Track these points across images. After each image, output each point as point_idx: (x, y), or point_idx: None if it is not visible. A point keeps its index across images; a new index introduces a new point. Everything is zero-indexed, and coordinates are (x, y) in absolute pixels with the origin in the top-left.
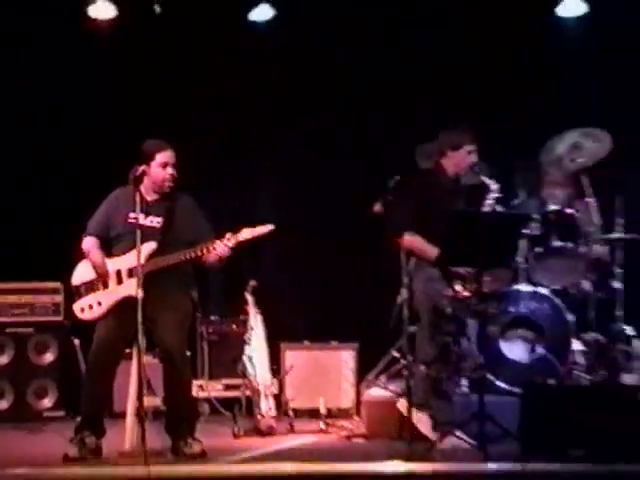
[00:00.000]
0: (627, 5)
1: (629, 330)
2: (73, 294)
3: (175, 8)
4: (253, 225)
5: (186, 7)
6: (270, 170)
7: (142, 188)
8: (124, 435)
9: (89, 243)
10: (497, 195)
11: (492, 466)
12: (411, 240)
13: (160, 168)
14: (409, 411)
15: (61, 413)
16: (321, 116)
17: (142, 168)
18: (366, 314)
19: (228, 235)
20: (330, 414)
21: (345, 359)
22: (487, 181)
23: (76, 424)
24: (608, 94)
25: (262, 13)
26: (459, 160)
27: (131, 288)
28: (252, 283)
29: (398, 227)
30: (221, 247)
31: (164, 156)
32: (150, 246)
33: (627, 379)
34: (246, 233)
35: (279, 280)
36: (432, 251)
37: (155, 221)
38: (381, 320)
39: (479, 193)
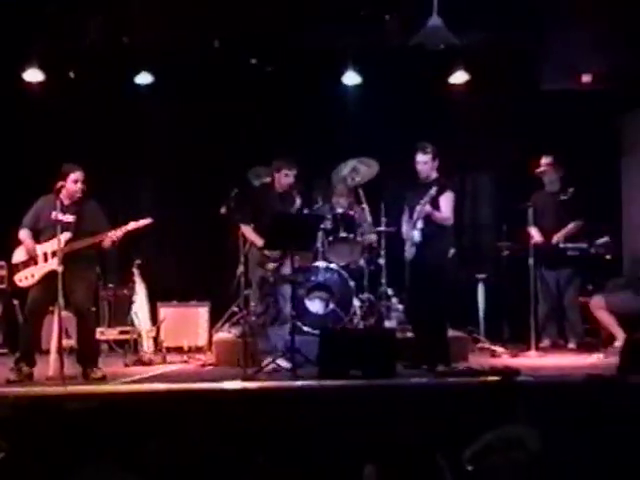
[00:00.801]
0: (393, 77)
1: (390, 291)
2: (13, 269)
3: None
4: (137, 219)
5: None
6: (150, 183)
7: (61, 196)
8: (49, 365)
9: (24, 234)
10: (299, 207)
11: (299, 383)
12: (245, 230)
13: (73, 183)
14: (245, 346)
15: (5, 350)
16: (186, 151)
17: (61, 183)
18: (216, 281)
19: (119, 227)
20: (190, 350)
21: (201, 313)
22: (295, 196)
23: (15, 358)
24: (377, 135)
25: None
26: (279, 179)
27: (54, 264)
28: (137, 261)
29: (238, 221)
30: (114, 235)
31: (76, 175)
32: (66, 235)
33: (388, 324)
34: (131, 225)
35: (156, 258)
36: (257, 239)
37: (70, 218)
38: (226, 286)
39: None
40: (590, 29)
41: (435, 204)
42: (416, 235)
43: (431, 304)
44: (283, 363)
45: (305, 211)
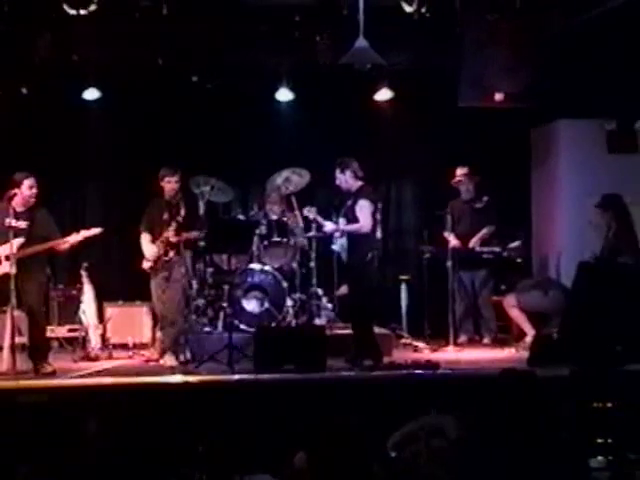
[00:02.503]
0: (324, 94)
1: (319, 291)
2: None
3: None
4: (85, 226)
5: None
6: (96, 191)
7: (13, 203)
8: (2, 361)
9: None
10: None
11: (236, 377)
12: (142, 238)
13: (28, 189)
14: (185, 341)
15: None
16: (130, 160)
17: (14, 191)
18: None
19: (73, 234)
20: (135, 346)
21: (145, 311)
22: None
23: None
24: (309, 147)
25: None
26: (164, 187)
27: (7, 268)
28: (85, 263)
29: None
30: (68, 243)
31: (30, 181)
32: (19, 241)
33: (318, 322)
34: (82, 233)
35: (103, 261)
36: (146, 250)
37: (22, 224)
38: None
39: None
40: (503, 53)
41: (352, 213)
42: (336, 246)
43: (354, 305)
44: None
45: (241, 217)
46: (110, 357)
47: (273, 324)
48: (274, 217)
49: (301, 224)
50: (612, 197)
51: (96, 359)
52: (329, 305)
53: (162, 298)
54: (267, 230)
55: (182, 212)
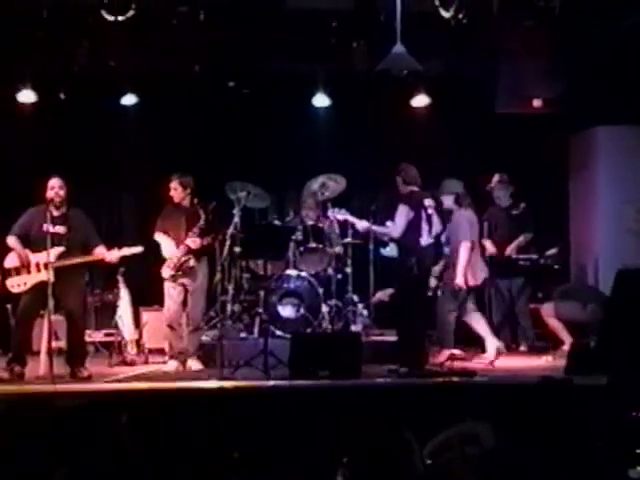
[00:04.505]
0: (360, 100)
1: (355, 298)
2: (5, 274)
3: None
4: (127, 243)
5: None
6: (133, 198)
7: (50, 207)
8: (39, 365)
9: (13, 241)
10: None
11: (271, 383)
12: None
13: (50, 190)
14: (221, 349)
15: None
16: (168, 166)
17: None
18: None
19: (114, 250)
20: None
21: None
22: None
23: (8, 358)
24: (345, 153)
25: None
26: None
27: (45, 276)
28: (121, 269)
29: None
30: (109, 258)
31: (51, 182)
32: (59, 249)
33: (354, 328)
34: (124, 251)
35: (139, 266)
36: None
37: (60, 229)
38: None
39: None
40: (541, 59)
41: (391, 217)
42: (385, 251)
43: (401, 311)
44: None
45: (277, 223)
46: (146, 362)
47: (309, 330)
48: (310, 223)
49: (337, 230)
50: None
51: (132, 364)
52: (365, 311)
53: (183, 305)
54: (303, 236)
55: (202, 219)
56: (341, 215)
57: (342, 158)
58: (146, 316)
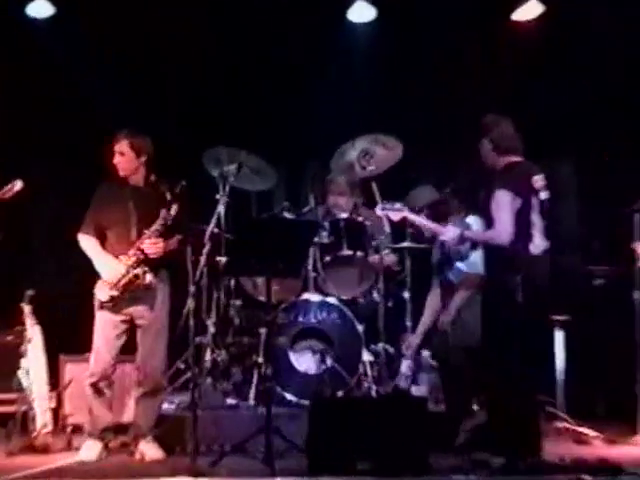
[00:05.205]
0: (417, 9)
1: (417, 340)
2: None
3: None
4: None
5: None
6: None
7: None
8: None
9: None
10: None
11: None
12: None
13: None
14: (195, 423)
15: None
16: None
17: None
18: None
19: None
20: (112, 430)
21: (129, 372)
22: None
23: None
24: (399, 100)
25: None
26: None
27: None
28: (29, 292)
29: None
30: None
31: None
32: None
33: (416, 390)
34: None
35: (56, 286)
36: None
37: None
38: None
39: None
40: None
41: (487, 209)
42: (464, 265)
43: (491, 359)
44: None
45: (288, 216)
46: (69, 447)
47: (339, 394)
48: (342, 216)
49: (387, 227)
50: None
51: (45, 450)
52: (434, 362)
53: (121, 350)
54: (331, 237)
55: (173, 208)
56: (398, 212)
57: (394, 109)
58: (70, 369)
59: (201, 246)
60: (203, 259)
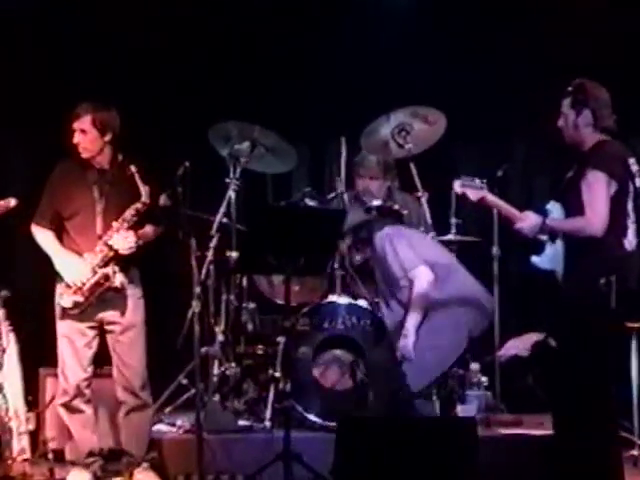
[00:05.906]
0: None
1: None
2: None
3: None
4: None
5: None
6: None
7: None
8: None
9: None
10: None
11: None
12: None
13: None
14: (200, 449)
15: None
16: None
17: None
18: (149, 332)
19: None
20: (100, 455)
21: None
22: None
23: None
24: (440, 69)
25: None
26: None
27: None
28: (3, 293)
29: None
30: None
31: None
32: None
33: (463, 410)
34: None
35: (37, 287)
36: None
37: None
38: (167, 339)
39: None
40: None
41: (574, 195)
42: (540, 260)
43: (569, 375)
44: None
45: (310, 204)
46: (50, 477)
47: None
48: (375, 203)
49: (429, 218)
50: None
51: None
52: (484, 378)
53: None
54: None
55: (144, 192)
56: (478, 190)
57: (436, 76)
58: (52, 386)
59: (207, 239)
60: (210, 254)
